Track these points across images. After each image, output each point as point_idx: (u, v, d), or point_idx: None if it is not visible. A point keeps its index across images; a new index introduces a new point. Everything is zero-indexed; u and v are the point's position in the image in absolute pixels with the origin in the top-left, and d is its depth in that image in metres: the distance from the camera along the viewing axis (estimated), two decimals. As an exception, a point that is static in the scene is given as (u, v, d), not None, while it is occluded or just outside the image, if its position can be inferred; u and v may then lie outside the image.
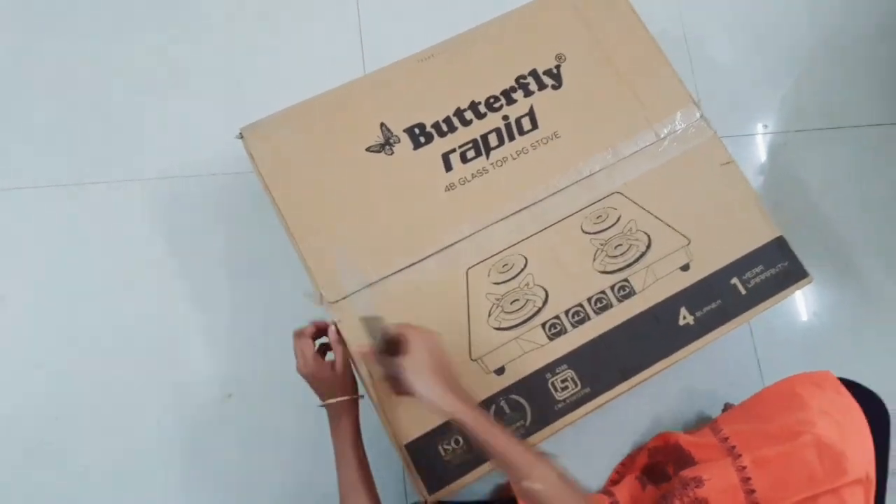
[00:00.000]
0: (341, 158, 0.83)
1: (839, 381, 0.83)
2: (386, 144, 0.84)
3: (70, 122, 1.05)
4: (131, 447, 0.93)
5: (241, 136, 0.83)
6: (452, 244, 0.82)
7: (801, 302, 1.14)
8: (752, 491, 0.76)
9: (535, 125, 0.87)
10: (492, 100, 0.87)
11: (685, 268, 0.84)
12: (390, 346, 0.71)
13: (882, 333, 1.11)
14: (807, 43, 1.25)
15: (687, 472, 0.80)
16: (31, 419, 0.93)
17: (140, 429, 0.94)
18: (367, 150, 0.84)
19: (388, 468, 0.96)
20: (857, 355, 1.07)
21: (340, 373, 0.77)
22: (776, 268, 0.85)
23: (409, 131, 0.85)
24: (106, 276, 0.99)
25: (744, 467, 0.77)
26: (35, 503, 0.91)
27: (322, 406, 0.78)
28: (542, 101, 0.88)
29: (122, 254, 1.00)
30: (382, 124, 0.85)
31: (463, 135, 0.86)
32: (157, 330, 0.98)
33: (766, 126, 1.22)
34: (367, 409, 0.78)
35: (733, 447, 0.81)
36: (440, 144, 0.85)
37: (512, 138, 0.86)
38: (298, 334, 0.79)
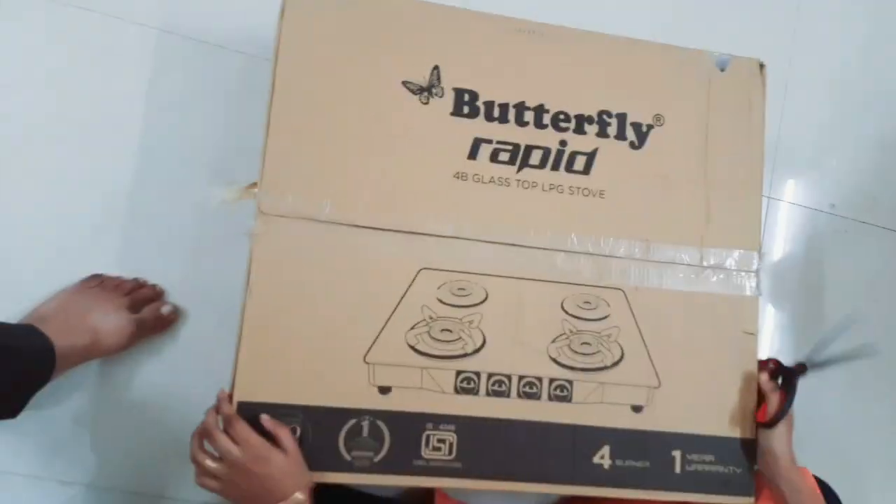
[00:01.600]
0: (370, 76, 0.70)
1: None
2: (426, 90, 0.71)
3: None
4: None
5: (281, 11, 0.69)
6: (424, 234, 0.69)
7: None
8: None
9: (587, 170, 0.73)
10: (562, 116, 0.73)
11: (637, 409, 0.72)
12: None
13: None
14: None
15: None
16: None
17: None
18: (404, 83, 0.70)
19: None
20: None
21: (294, 452, 0.61)
22: (726, 468, 0.72)
23: (458, 92, 0.71)
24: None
25: None
26: None
27: None
28: (610, 151, 0.74)
29: (95, 100, 0.84)
30: (436, 67, 0.71)
31: (509, 132, 0.72)
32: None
33: (833, 206, 1.09)
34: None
35: None
36: (479, 126, 0.71)
37: (556, 168, 0.73)
38: (203, 432, 0.61)
